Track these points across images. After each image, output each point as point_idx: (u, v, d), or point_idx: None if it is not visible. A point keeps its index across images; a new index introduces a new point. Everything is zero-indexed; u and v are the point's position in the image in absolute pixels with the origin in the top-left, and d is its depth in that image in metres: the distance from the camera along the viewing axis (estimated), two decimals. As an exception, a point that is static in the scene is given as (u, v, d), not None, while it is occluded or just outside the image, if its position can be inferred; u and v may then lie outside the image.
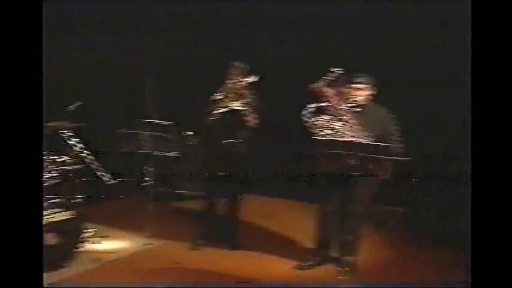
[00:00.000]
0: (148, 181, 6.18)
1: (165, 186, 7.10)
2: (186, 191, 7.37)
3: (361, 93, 5.96)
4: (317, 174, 5.83)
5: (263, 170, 7.37)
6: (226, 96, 6.27)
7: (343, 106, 5.85)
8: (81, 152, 5.95)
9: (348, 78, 5.90)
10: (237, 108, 6.23)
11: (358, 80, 5.95)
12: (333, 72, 5.82)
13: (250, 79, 6.27)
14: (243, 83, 6.29)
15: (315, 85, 5.86)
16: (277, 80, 7.29)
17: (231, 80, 6.32)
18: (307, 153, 5.76)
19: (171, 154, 6.11)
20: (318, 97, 5.87)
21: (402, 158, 5.46)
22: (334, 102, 5.87)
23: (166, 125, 6.08)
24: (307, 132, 5.72)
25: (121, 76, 7.37)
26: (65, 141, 5.93)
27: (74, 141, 6.02)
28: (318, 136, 5.66)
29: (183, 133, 6.19)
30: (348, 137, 5.66)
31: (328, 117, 5.82)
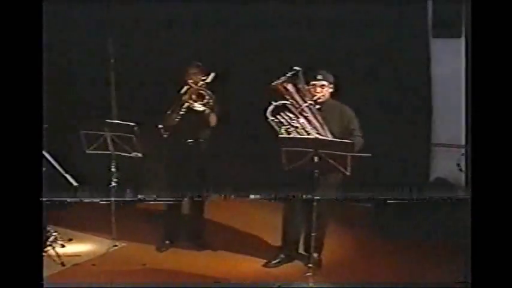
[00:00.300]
0: (114, 183, 6.10)
1: (130, 188, 7.03)
2: (151, 192, 7.29)
3: (322, 90, 6.00)
4: (281, 172, 5.80)
5: (226, 169, 7.40)
6: (186, 96, 6.27)
7: (305, 103, 5.88)
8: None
9: (309, 76, 5.94)
10: (197, 108, 6.24)
11: (319, 77, 5.97)
12: (294, 69, 5.83)
13: (209, 78, 6.29)
14: (203, 83, 6.30)
15: (277, 82, 5.88)
16: (237, 79, 7.35)
17: (191, 79, 6.32)
18: (270, 151, 5.75)
19: (135, 155, 6.06)
20: (281, 94, 5.88)
21: (364, 154, 5.53)
22: (296, 100, 5.89)
23: (129, 125, 6.01)
24: (269, 131, 5.72)
25: (84, 75, 7.31)
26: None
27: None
28: (281, 134, 5.68)
29: (159, 128, 6.19)
30: (311, 134, 5.73)
31: (291, 115, 5.83)
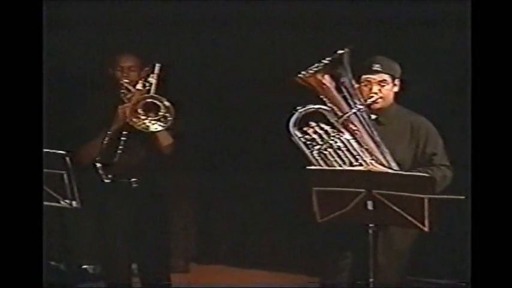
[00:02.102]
0: None
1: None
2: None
3: (381, 89, 3.79)
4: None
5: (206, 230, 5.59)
6: (127, 110, 4.03)
7: (353, 109, 3.69)
8: None
9: (359, 66, 3.79)
10: (148, 128, 4.05)
11: (376, 66, 3.76)
12: (336, 53, 3.65)
13: (155, 73, 4.04)
14: (149, 83, 4.06)
15: (308, 72, 3.64)
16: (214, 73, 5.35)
17: (127, 78, 4.10)
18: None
19: (68, 204, 3.82)
20: (315, 93, 3.70)
21: (454, 197, 3.41)
22: (338, 103, 3.69)
23: (57, 154, 3.75)
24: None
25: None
26: None
27: None
28: (312, 157, 3.67)
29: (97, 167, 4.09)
30: (361, 162, 3.68)
31: (328, 128, 3.68)
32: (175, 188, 4.98)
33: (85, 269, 5.23)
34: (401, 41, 5.34)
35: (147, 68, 4.12)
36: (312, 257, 4.99)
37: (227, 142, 5.43)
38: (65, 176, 3.72)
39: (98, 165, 4.09)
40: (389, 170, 3.66)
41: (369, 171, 3.57)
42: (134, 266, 4.30)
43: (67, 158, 3.70)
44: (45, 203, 3.80)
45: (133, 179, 4.17)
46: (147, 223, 4.23)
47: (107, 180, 4.10)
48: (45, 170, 3.71)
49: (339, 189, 3.47)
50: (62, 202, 3.79)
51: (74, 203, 3.78)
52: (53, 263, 5.18)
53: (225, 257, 5.58)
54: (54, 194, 3.78)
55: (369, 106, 3.75)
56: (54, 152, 3.73)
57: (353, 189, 3.45)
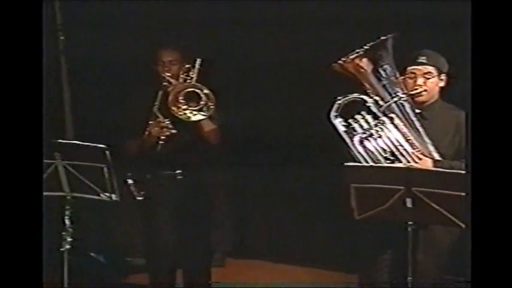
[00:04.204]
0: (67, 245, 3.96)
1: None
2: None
3: (426, 82, 3.72)
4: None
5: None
6: (169, 101, 4.10)
7: (394, 97, 3.65)
8: None
9: (408, 56, 3.76)
10: (189, 117, 4.11)
11: (421, 59, 3.71)
12: (379, 39, 3.64)
13: (196, 67, 4.13)
14: (190, 75, 4.14)
15: (349, 57, 3.61)
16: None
17: (168, 71, 4.19)
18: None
19: (108, 197, 3.86)
20: (355, 80, 3.66)
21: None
22: (379, 91, 3.65)
23: (97, 148, 3.79)
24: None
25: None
26: None
27: None
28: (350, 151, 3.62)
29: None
30: (405, 152, 3.60)
31: (368, 117, 3.64)
32: (215, 180, 4.98)
33: (127, 261, 5.26)
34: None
35: (188, 65, 4.19)
36: (350, 255, 4.95)
37: (266, 135, 5.42)
38: (105, 169, 3.77)
39: (130, 181, 4.15)
40: (429, 167, 3.60)
41: (408, 168, 3.51)
42: (177, 258, 4.32)
43: (107, 152, 3.75)
44: (87, 195, 3.89)
45: (178, 171, 4.19)
46: (191, 216, 4.25)
47: (139, 198, 4.17)
48: (85, 163, 3.80)
49: (378, 186, 3.42)
50: (102, 195, 3.84)
51: (113, 196, 3.83)
52: (93, 254, 5.24)
53: (262, 252, 5.56)
54: (95, 187, 3.83)
55: (412, 98, 3.69)
56: (94, 146, 3.79)
57: (392, 186, 3.39)
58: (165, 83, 4.19)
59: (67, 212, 3.94)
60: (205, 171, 4.39)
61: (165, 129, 4.15)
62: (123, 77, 5.23)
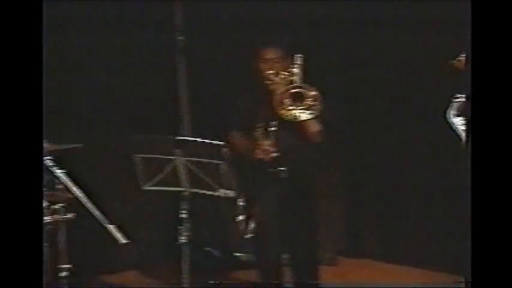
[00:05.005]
0: (184, 239, 4.03)
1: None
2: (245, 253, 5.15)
3: None
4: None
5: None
6: (276, 100, 4.09)
7: None
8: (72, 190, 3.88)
9: None
10: (295, 117, 4.10)
11: None
12: None
13: (297, 65, 4.12)
14: (295, 74, 4.13)
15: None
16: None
17: (271, 70, 4.17)
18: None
19: (224, 194, 3.94)
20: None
21: None
22: None
23: (215, 145, 3.88)
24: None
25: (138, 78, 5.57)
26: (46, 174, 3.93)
27: (61, 174, 3.93)
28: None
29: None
30: None
31: None
32: (324, 178, 4.97)
33: (237, 256, 5.35)
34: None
35: (289, 63, 4.18)
36: (461, 257, 4.82)
37: (376, 133, 5.35)
38: (222, 165, 3.84)
39: (240, 200, 4.22)
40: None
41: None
42: (285, 256, 4.34)
43: (224, 149, 3.82)
44: (204, 191, 3.99)
45: (282, 169, 4.21)
46: (297, 213, 4.27)
47: (247, 236, 4.23)
48: (203, 160, 3.89)
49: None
50: (218, 191, 3.91)
51: (229, 192, 3.91)
52: (208, 248, 5.36)
53: (374, 252, 5.50)
54: (211, 183, 3.90)
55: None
56: (212, 143, 3.87)
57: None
58: (267, 82, 4.19)
59: (184, 207, 4.04)
60: (310, 168, 4.41)
61: (268, 153, 4.13)
62: (234, 75, 5.33)
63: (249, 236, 4.26)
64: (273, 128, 4.14)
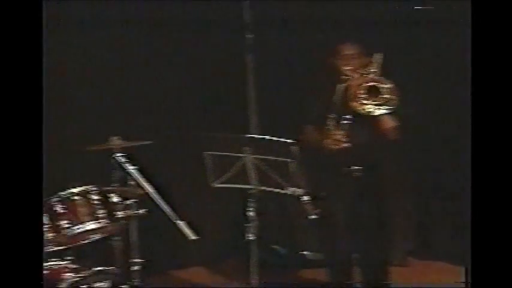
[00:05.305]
0: (251, 236, 4.05)
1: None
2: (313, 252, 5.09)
3: None
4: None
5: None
6: (351, 95, 4.06)
7: None
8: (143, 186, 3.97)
9: None
10: (370, 112, 4.08)
11: None
12: None
13: (376, 61, 4.10)
14: (372, 70, 4.11)
15: None
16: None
17: (349, 66, 4.16)
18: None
19: (293, 192, 3.92)
20: None
21: None
22: None
23: (284, 143, 3.86)
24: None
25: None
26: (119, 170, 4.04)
27: (132, 170, 4.01)
28: None
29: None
30: None
31: None
32: (396, 178, 4.90)
33: (304, 255, 5.31)
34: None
35: (367, 60, 4.15)
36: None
37: (453, 130, 5.19)
38: (291, 164, 3.81)
39: (305, 198, 4.17)
40: None
41: None
42: (355, 255, 4.29)
43: (294, 147, 3.79)
44: (272, 189, 3.97)
45: (356, 167, 4.18)
46: (369, 212, 4.22)
47: (313, 216, 4.18)
48: (273, 158, 3.86)
49: None
50: (287, 189, 3.89)
51: (298, 190, 3.88)
52: (275, 246, 5.35)
53: (446, 254, 5.36)
54: (280, 181, 3.88)
55: None
56: (282, 141, 3.83)
57: None
58: (344, 77, 4.17)
59: (252, 205, 4.03)
60: (385, 168, 4.32)
61: (337, 142, 4.10)
62: (305, 72, 5.30)
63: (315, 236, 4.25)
64: (345, 121, 4.09)
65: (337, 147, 4.09)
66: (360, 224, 4.21)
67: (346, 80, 4.14)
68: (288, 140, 3.81)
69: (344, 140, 4.09)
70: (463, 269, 5.04)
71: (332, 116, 4.12)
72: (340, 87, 4.14)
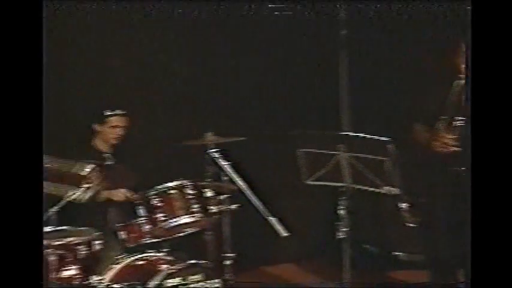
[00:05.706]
0: (341, 234, 4.01)
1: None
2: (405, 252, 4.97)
3: None
4: None
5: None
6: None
7: None
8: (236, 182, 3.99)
9: None
10: None
11: None
12: None
13: None
14: None
15: None
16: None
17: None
18: None
19: (388, 191, 3.83)
20: None
21: None
22: None
23: (379, 141, 3.78)
24: None
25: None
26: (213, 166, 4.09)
27: (226, 166, 4.02)
28: None
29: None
30: None
31: None
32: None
33: (396, 255, 5.23)
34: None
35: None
36: None
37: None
38: (387, 162, 3.73)
39: (404, 206, 4.06)
40: None
41: None
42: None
43: (390, 145, 3.71)
44: (364, 187, 3.89)
45: (464, 168, 3.96)
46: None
47: (410, 225, 4.06)
48: (368, 156, 3.79)
49: None
50: (382, 188, 3.80)
51: (394, 189, 3.79)
52: (367, 246, 5.29)
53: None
54: (375, 180, 3.81)
55: None
56: (377, 139, 3.76)
57: None
58: (461, 75, 4.01)
59: (343, 203, 3.98)
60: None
61: (446, 145, 3.98)
62: (406, 70, 5.23)
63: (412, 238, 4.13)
64: (458, 123, 3.97)
65: (445, 150, 3.96)
66: (463, 224, 4.07)
67: (463, 79, 3.97)
68: (384, 138, 3.73)
69: (453, 143, 3.96)
70: None
71: (444, 117, 4.00)
72: (457, 87, 4.00)
